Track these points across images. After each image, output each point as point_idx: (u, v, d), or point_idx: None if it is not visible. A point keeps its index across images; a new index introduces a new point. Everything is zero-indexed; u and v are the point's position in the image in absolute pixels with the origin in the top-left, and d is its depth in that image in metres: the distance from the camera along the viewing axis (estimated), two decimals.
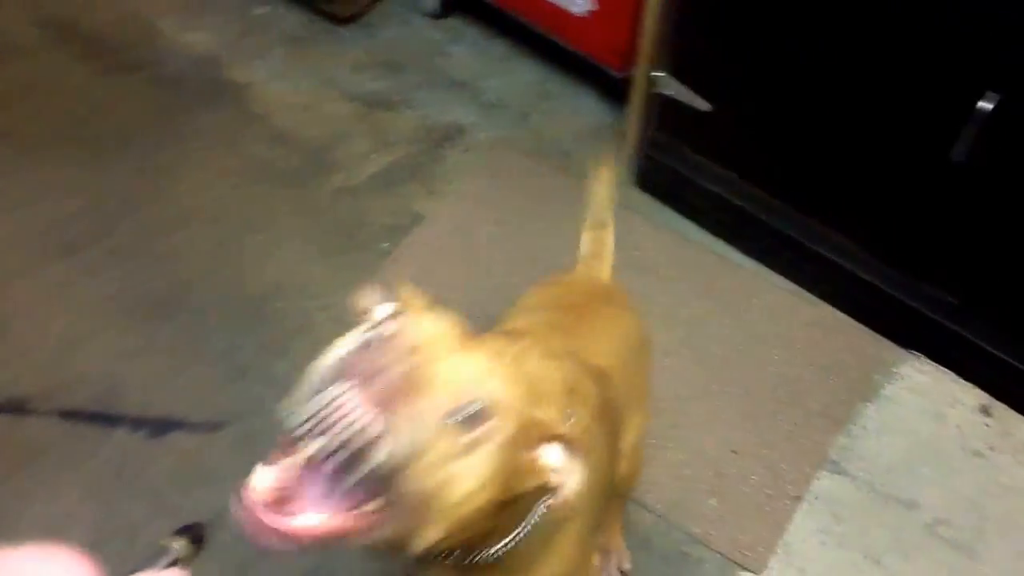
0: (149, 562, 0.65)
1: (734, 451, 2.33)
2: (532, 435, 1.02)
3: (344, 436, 0.86)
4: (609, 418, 1.50)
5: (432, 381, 0.91)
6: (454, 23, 3.39)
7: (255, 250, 2.73)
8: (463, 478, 0.94)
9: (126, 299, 2.62)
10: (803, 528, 2.25)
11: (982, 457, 2.38)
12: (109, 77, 3.22)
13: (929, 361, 2.53)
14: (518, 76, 3.23)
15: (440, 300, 2.55)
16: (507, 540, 1.17)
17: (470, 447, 0.93)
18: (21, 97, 3.18)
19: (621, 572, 2.18)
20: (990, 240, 2.26)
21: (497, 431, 0.96)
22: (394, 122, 3.07)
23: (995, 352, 2.40)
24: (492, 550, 1.17)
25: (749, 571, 2.17)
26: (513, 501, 1.06)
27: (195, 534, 0.67)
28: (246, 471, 2.25)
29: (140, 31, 3.34)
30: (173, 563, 0.66)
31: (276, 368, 2.46)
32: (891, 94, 2.22)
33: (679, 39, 2.54)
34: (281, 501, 0.90)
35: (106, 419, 2.38)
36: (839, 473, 2.34)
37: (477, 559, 1.17)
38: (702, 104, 2.57)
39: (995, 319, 2.38)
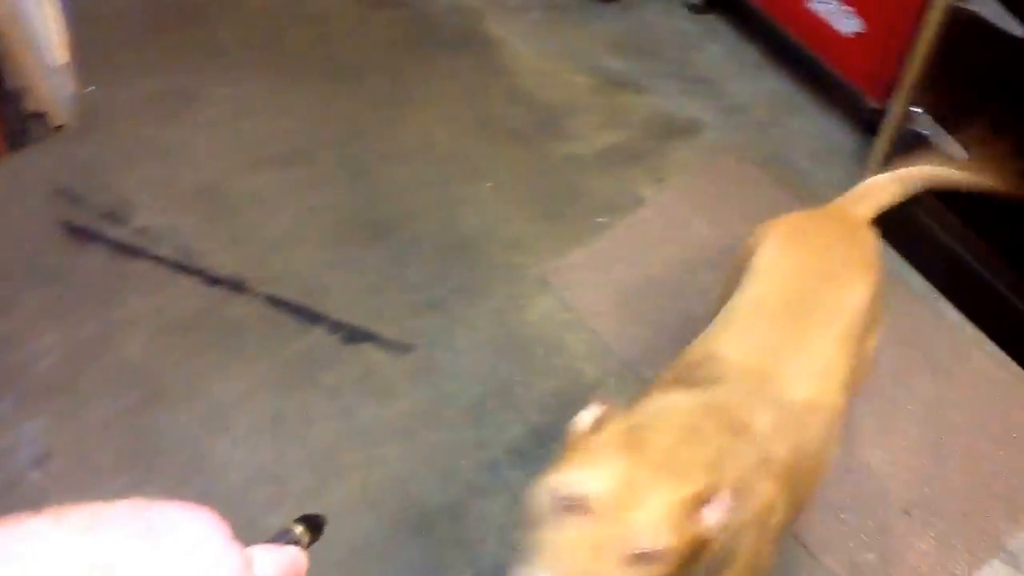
0: (272, 540, 0.70)
1: (906, 512, 2.22)
2: (696, 506, 1.20)
3: None
4: (798, 460, 1.53)
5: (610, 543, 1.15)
6: (713, 20, 3.35)
7: (475, 196, 2.79)
8: None
9: (346, 213, 2.75)
10: None
11: None
12: (372, 8, 3.36)
13: None
14: (766, 84, 3.17)
15: (643, 289, 2.55)
16: None
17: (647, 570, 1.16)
18: (288, 13, 3.38)
19: None
20: None
21: (662, 555, 1.16)
22: (632, 104, 3.07)
23: None
24: None
25: None
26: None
27: (314, 523, 0.74)
28: (423, 396, 2.33)
29: None
30: (293, 543, 0.72)
31: (470, 308, 2.53)
32: None
33: (944, 79, 2.43)
34: None
35: (310, 314, 2.51)
36: (1012, 566, 2.20)
37: None
38: (957, 151, 2.45)
39: None
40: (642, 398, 1.54)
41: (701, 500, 1.20)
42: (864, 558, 2.16)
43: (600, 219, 2.73)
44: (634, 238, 2.69)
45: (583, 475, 1.19)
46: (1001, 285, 2.47)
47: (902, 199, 1.97)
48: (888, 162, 2.66)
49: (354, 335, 2.47)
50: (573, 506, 1.16)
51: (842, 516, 2.21)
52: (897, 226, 2.65)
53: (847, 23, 2.78)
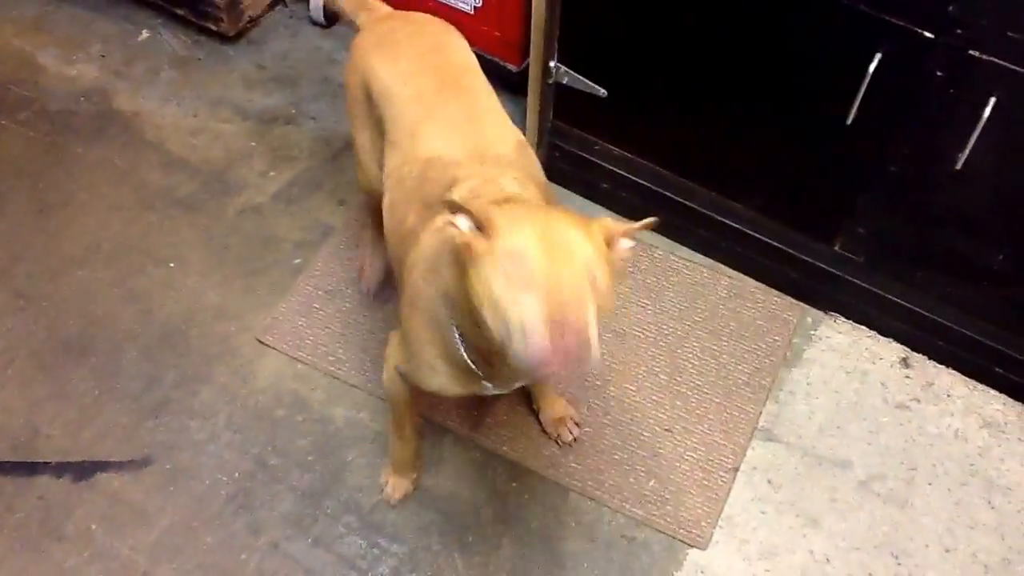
0: None
1: (667, 430, 2.34)
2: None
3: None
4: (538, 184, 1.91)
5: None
6: (342, 31, 3.33)
7: (162, 280, 2.65)
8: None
9: (32, 344, 2.52)
10: (742, 499, 2.27)
11: (907, 409, 2.43)
12: None
13: (845, 320, 2.57)
14: None
15: (360, 312, 2.50)
16: None
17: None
18: None
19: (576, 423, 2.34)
20: (887, 196, 2.31)
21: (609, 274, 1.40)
22: (292, 136, 3.01)
23: (907, 304, 2.45)
24: None
25: (695, 547, 2.19)
26: None
27: None
28: (179, 505, 2.19)
29: (19, 67, 3.21)
30: None
31: (199, 397, 2.41)
32: (784, 60, 2.26)
33: (568, 28, 2.54)
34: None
35: (26, 467, 2.29)
36: (771, 440, 2.37)
37: None
38: (598, 90, 2.58)
39: (902, 272, 2.42)
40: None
41: (610, 238, 1.45)
42: (648, 487, 2.26)
43: (297, 260, 2.67)
44: (335, 267, 2.65)
45: (516, 257, 1.34)
46: (675, 194, 2.64)
47: None
48: (543, 117, 2.77)
49: (82, 471, 2.29)
50: (523, 280, 1.31)
51: (615, 457, 2.30)
52: (572, 173, 2.78)
53: (467, 2, 2.85)
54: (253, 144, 2.99)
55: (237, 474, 2.28)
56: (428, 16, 2.18)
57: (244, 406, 2.39)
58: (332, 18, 3.31)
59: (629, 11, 2.41)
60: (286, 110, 3.08)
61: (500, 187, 1.71)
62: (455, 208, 1.42)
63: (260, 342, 2.50)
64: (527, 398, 2.36)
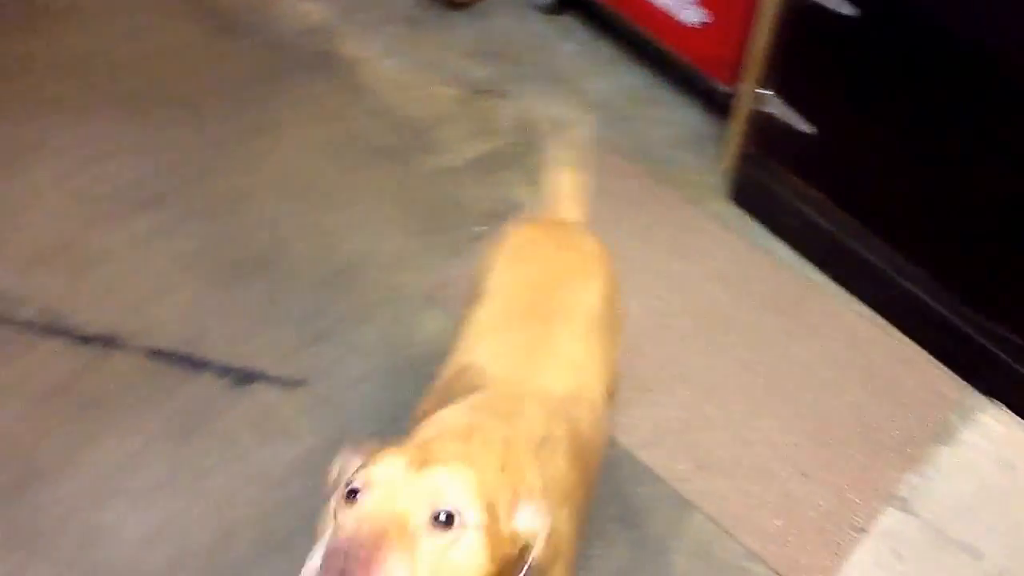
0: None
1: (804, 474, 2.33)
2: (505, 506, 1.18)
3: None
4: (579, 443, 1.57)
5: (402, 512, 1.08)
6: (566, 20, 3.42)
7: (347, 220, 2.79)
8: (460, 566, 1.10)
9: (216, 254, 2.69)
10: (864, 561, 2.24)
11: None
12: (219, 39, 3.31)
13: (1007, 411, 2.50)
14: (623, 79, 3.26)
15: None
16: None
17: (454, 541, 1.09)
18: (128, 50, 3.30)
19: None
20: None
21: (469, 522, 1.11)
22: (498, 110, 3.12)
23: None
24: None
25: None
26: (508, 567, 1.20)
27: None
28: (322, 430, 2.28)
29: None
30: None
31: (358, 335, 2.52)
32: (991, 139, 2.22)
33: (788, 60, 2.55)
34: None
35: (193, 362, 2.44)
36: (906, 511, 2.33)
37: None
38: (804, 126, 2.57)
39: None
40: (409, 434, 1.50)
41: (515, 497, 1.20)
42: (773, 524, 2.26)
43: (479, 228, 2.76)
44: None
45: (368, 469, 1.14)
46: (861, 247, 2.61)
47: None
48: (743, 142, 2.78)
49: (242, 377, 2.42)
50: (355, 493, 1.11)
51: (747, 488, 2.30)
52: (760, 203, 2.79)
53: (692, 14, 2.88)
54: (460, 110, 3.11)
55: (381, 416, 2.37)
56: (586, 240, 1.94)
57: (401, 353, 2.49)
58: (559, 6, 3.39)
59: (851, 58, 2.40)
60: (497, 84, 3.19)
61: (515, 411, 1.49)
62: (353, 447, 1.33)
63: (429, 297, 2.60)
64: None
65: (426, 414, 1.52)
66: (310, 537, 2.04)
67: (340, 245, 2.72)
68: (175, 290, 2.60)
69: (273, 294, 2.60)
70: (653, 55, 3.19)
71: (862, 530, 2.27)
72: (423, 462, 1.14)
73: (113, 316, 2.53)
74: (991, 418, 2.50)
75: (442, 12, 3.42)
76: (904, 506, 2.33)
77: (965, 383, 2.54)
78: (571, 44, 3.36)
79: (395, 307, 2.59)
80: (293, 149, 2.97)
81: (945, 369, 2.56)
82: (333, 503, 1.18)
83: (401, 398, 2.38)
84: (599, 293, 1.81)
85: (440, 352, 2.45)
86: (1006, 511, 2.35)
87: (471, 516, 1.11)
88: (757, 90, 2.66)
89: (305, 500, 2.20)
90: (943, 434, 2.46)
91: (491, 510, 1.14)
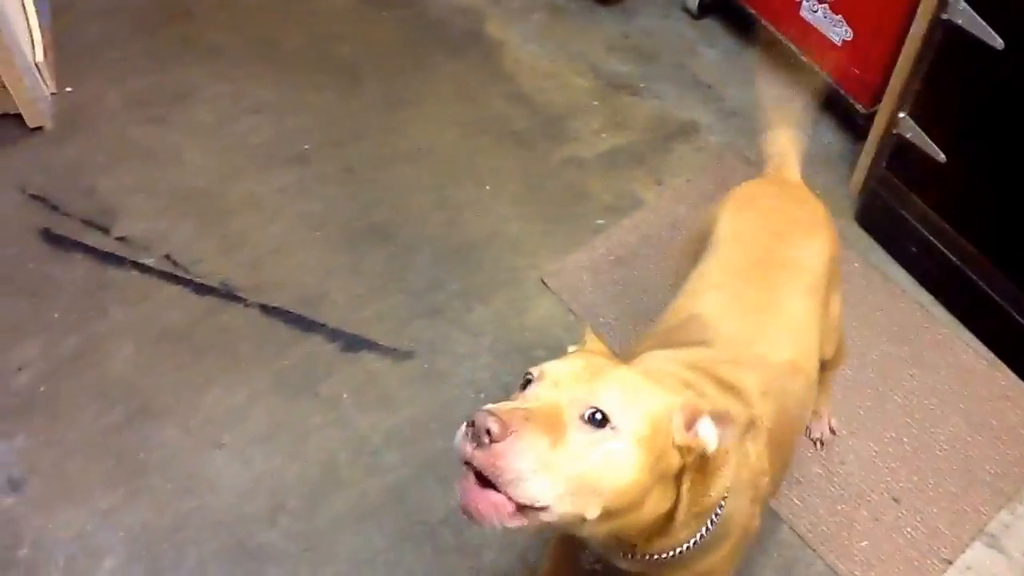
0: None
1: (895, 499, 2.34)
2: (681, 420, 1.22)
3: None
4: (783, 425, 1.61)
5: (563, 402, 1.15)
6: (711, 25, 3.44)
7: (476, 198, 2.87)
8: (604, 465, 1.14)
9: (344, 217, 2.79)
10: None
11: None
12: (376, 7, 3.44)
13: None
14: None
15: (641, 290, 2.62)
16: (689, 541, 1.37)
17: (601, 441, 1.14)
18: (287, 9, 3.44)
19: (831, 431, 2.37)
20: None
21: (622, 427, 1.15)
22: (632, 107, 3.17)
23: None
24: (675, 551, 1.37)
25: None
26: (676, 495, 1.28)
27: None
28: (423, 403, 2.37)
29: None
30: None
31: (472, 314, 2.59)
32: None
33: (928, 86, 2.53)
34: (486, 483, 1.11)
35: (306, 323, 2.54)
36: (994, 548, 2.31)
37: (662, 557, 1.38)
38: (937, 153, 2.56)
39: None
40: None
41: (690, 411, 1.23)
42: (858, 546, 2.27)
43: (600, 221, 2.82)
44: (633, 240, 2.78)
45: (553, 362, 1.23)
46: (980, 280, 2.59)
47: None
48: (876, 163, 2.78)
49: (352, 343, 2.49)
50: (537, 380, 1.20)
51: (837, 507, 2.32)
52: (883, 226, 2.78)
53: (837, 31, 2.88)
54: (595, 103, 3.17)
55: (483, 395, 2.41)
56: (810, 199, 1.98)
57: (510, 335, 2.55)
58: (705, 9, 3.42)
59: (991, 89, 2.38)
60: (635, 81, 3.24)
61: (734, 383, 1.52)
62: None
63: (543, 283, 2.67)
64: None
65: (638, 356, 1.58)
66: (400, 506, 2.15)
67: (463, 223, 2.80)
68: (299, 250, 2.70)
69: (393, 264, 2.69)
70: (794, 69, 3.18)
71: (947, 562, 2.27)
72: (599, 369, 1.20)
73: (234, 269, 2.64)
74: None
75: (589, 6, 3.48)
76: (993, 543, 2.32)
77: None
78: (714, 49, 3.38)
79: (510, 290, 2.65)
80: (432, 123, 3.07)
81: None
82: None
83: (505, 379, 2.46)
84: (824, 252, 1.84)
85: (549, 339, 2.54)
86: None
87: (627, 422, 1.15)
88: (895, 112, 2.66)
89: (398, 470, 2.28)
90: None
91: (657, 424, 1.18)
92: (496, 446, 1.07)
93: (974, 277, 2.59)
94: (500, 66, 3.27)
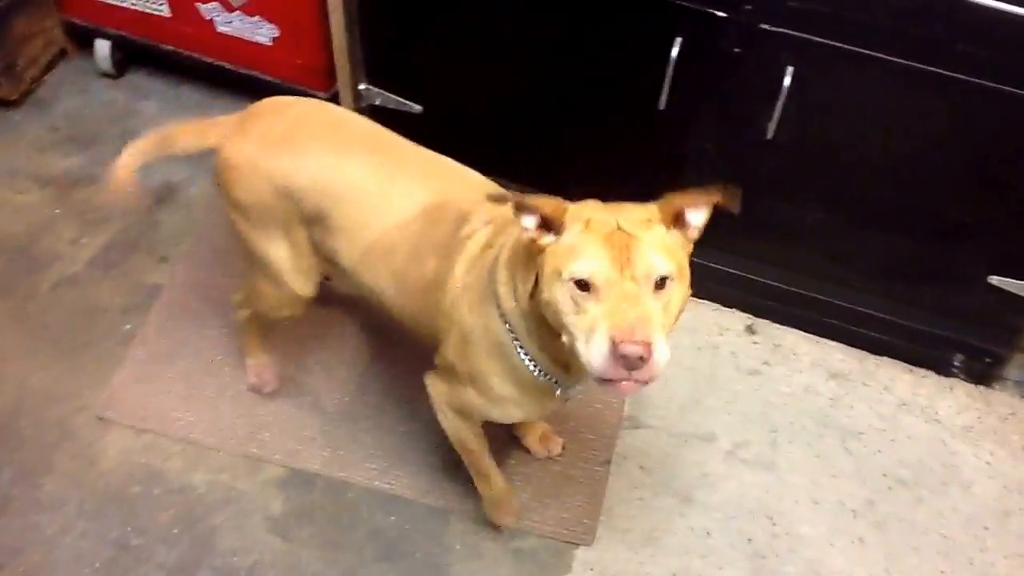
0: None
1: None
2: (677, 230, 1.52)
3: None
4: None
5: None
6: (135, 79, 3.19)
7: None
8: (680, 306, 1.49)
9: None
10: (618, 489, 2.30)
11: (759, 374, 2.52)
12: None
13: (692, 298, 2.63)
14: (218, 114, 3.08)
15: (205, 368, 2.39)
16: None
17: (672, 293, 1.45)
18: None
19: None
20: (707, 171, 2.38)
21: (674, 275, 1.44)
22: (98, 197, 2.85)
23: (743, 274, 2.54)
24: None
25: (581, 545, 2.19)
26: None
27: None
28: None
29: None
30: None
31: (43, 490, 2.26)
32: (591, 54, 2.30)
33: (371, 49, 2.53)
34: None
35: None
36: (638, 427, 2.41)
37: None
38: (413, 107, 2.56)
39: (732, 242, 2.50)
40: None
41: (678, 214, 1.49)
42: (524, 497, 2.25)
43: (126, 327, 2.54)
44: (168, 328, 2.54)
45: (581, 262, 1.41)
46: None
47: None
48: None
49: None
50: (587, 286, 1.40)
51: None
52: None
53: (263, 32, 2.78)
54: (57, 211, 2.81)
55: (98, 564, 2.13)
56: (290, 99, 2.01)
57: (94, 490, 2.25)
58: (121, 66, 3.16)
59: (428, 24, 2.41)
60: (88, 170, 2.92)
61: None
62: (522, 207, 1.47)
63: (100, 419, 2.36)
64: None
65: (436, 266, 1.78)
66: None
67: None
68: None
69: None
70: (242, 85, 3.02)
71: (606, 462, 2.33)
72: (624, 246, 1.40)
73: None
74: None
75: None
76: (634, 423, 2.43)
77: None
78: (150, 101, 3.12)
79: (69, 445, 2.33)
80: None
81: None
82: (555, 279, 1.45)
83: (114, 534, 2.18)
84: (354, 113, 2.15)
85: (135, 471, 2.25)
86: (722, 388, 2.51)
87: (673, 269, 1.43)
88: (356, 86, 2.62)
89: None
90: None
91: (673, 251, 1.46)
92: (650, 362, 1.34)
93: None
94: None
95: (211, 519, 2.21)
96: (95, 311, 2.58)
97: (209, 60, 2.98)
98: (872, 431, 2.43)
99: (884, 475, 2.36)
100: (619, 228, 1.43)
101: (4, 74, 2.98)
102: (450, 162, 1.92)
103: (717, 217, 2.40)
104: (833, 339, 2.58)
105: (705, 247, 2.47)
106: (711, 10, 2.08)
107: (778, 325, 2.60)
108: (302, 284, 2.01)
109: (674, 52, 2.12)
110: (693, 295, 2.55)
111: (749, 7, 2.05)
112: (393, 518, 2.23)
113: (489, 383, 1.75)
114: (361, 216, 1.83)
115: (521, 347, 1.66)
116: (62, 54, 3.21)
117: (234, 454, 2.30)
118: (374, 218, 1.83)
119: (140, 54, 3.16)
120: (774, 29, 2.05)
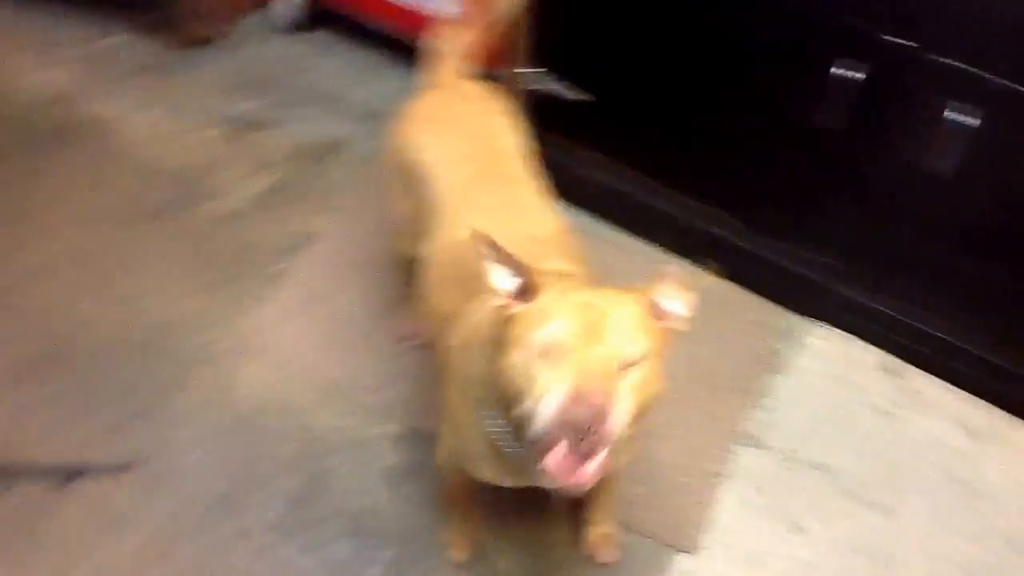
0: None
1: (650, 434, 2.33)
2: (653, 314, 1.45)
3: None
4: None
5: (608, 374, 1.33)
6: (321, 37, 3.32)
7: (140, 288, 2.60)
8: (652, 382, 1.40)
9: (7, 353, 2.45)
10: (728, 503, 2.27)
11: (890, 415, 2.45)
12: None
13: (830, 328, 2.59)
14: (388, 84, 3.19)
15: (343, 318, 2.48)
16: None
17: (642, 371, 1.37)
18: None
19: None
20: (858, 201, 2.35)
21: (647, 354, 1.38)
22: (269, 142, 2.99)
23: (888, 311, 2.49)
24: None
25: (683, 551, 2.17)
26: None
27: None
28: (161, 512, 2.11)
29: None
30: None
31: (179, 406, 2.36)
32: (754, 71, 2.32)
33: (548, 35, 2.56)
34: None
35: (2, 473, 2.22)
36: (756, 446, 2.37)
37: None
38: (584, 95, 2.58)
39: (880, 279, 2.45)
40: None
41: (654, 303, 1.46)
42: (633, 492, 2.24)
43: (279, 266, 2.64)
44: (318, 272, 2.63)
45: (550, 327, 1.35)
46: (650, 199, 2.66)
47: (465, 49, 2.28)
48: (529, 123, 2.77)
49: (60, 477, 2.21)
50: (551, 351, 1.33)
51: None
52: (567, 187, 2.78)
53: (443, 4, 2.84)
54: (229, 150, 2.96)
55: (222, 480, 2.22)
56: (479, 90, 2.18)
57: (226, 413, 2.34)
58: (311, 23, 3.29)
59: (609, 16, 2.44)
60: (264, 115, 3.06)
61: (545, 264, 1.65)
62: (504, 261, 1.44)
63: (242, 348, 2.46)
64: None
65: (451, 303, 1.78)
66: None
67: (138, 315, 2.53)
68: None
69: (79, 380, 2.39)
70: (412, 55, 3.10)
71: (718, 474, 2.30)
72: (598, 319, 1.35)
73: None
74: (817, 338, 2.59)
75: (184, 54, 3.24)
76: (754, 442, 2.38)
77: (784, 310, 2.62)
78: (329, 59, 3.26)
79: (210, 367, 2.43)
80: (60, 226, 2.74)
81: (763, 301, 2.63)
82: (524, 353, 1.37)
83: (239, 457, 2.26)
84: (515, 124, 2.11)
85: (268, 401, 2.34)
86: (850, 422, 2.45)
87: (644, 353, 1.37)
88: (524, 70, 2.66)
89: None
90: (776, 364, 2.52)
91: (648, 336, 1.40)
92: (600, 431, 1.28)
93: (648, 200, 2.69)
94: (113, 144, 2.98)
95: (330, 459, 2.28)
96: (250, 248, 2.69)
97: (388, 27, 3.07)
98: (1001, 494, 2.34)
99: (1007, 542, 2.27)
100: (595, 303, 1.39)
101: (193, 18, 3.15)
102: (536, 205, 1.94)
103: (866, 249, 2.40)
104: (974, 393, 2.50)
105: (851, 280, 2.47)
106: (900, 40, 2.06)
107: (917, 369, 2.53)
108: (410, 243, 2.09)
109: (859, 76, 2.10)
110: (835, 325, 2.56)
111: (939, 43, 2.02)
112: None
113: (468, 438, 1.71)
114: (440, 221, 1.90)
115: (490, 412, 1.59)
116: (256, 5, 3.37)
117: (361, 403, 2.37)
118: (443, 230, 1.89)
119: (327, 15, 3.28)
120: (961, 66, 2.02)
